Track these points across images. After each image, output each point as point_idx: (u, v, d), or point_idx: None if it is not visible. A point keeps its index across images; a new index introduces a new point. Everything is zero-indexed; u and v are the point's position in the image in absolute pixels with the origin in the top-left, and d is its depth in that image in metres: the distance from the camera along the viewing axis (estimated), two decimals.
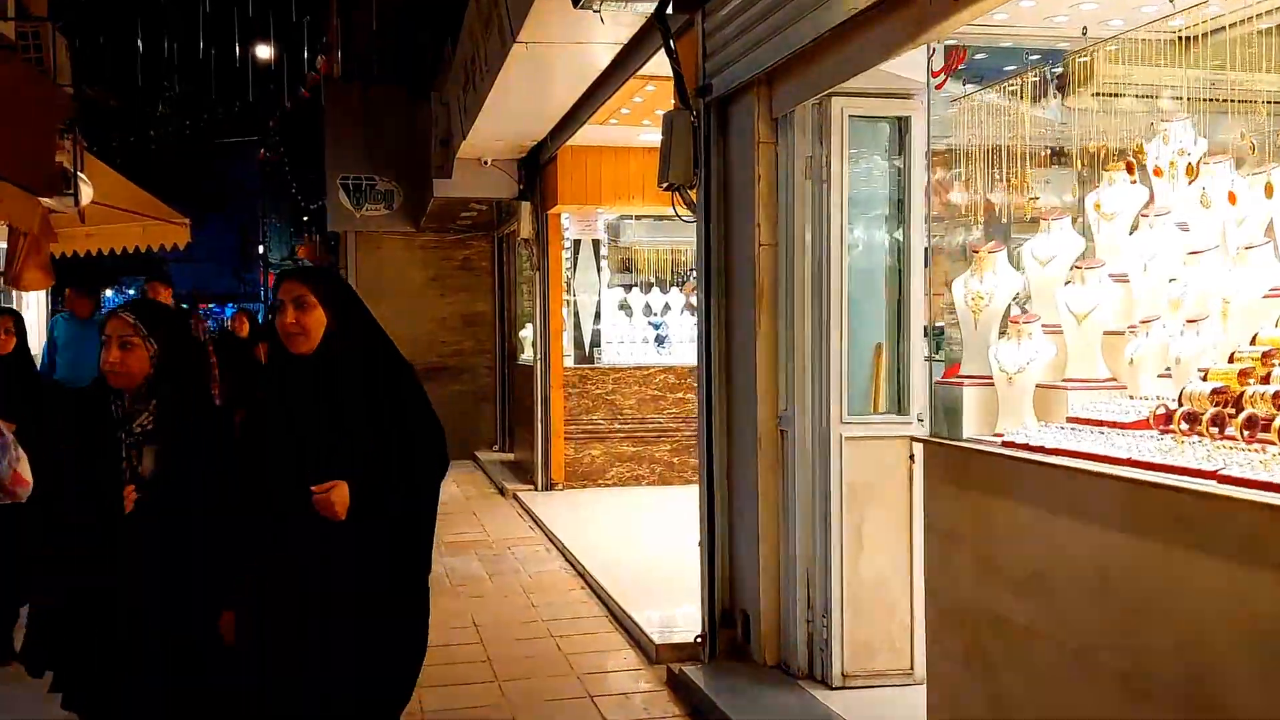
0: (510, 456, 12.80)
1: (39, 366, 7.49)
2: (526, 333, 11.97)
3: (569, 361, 10.75)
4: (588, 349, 10.89)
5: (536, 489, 10.59)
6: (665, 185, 5.64)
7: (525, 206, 10.62)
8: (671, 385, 10.72)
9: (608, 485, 10.61)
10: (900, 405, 4.81)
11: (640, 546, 7.80)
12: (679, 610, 5.92)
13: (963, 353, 3.83)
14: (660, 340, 11.13)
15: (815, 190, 4.81)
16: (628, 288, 11.37)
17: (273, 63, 22.05)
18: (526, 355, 11.86)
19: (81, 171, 12.75)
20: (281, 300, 2.97)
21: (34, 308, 12.48)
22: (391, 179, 13.33)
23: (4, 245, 10.86)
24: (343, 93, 13.56)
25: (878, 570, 4.73)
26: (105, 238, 15.50)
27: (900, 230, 4.87)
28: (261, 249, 33.77)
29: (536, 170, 10.59)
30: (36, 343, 13.32)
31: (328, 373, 2.99)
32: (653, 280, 11.46)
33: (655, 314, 11.22)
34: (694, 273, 11.54)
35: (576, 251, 10.91)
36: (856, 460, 4.72)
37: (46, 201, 11.70)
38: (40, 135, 11.35)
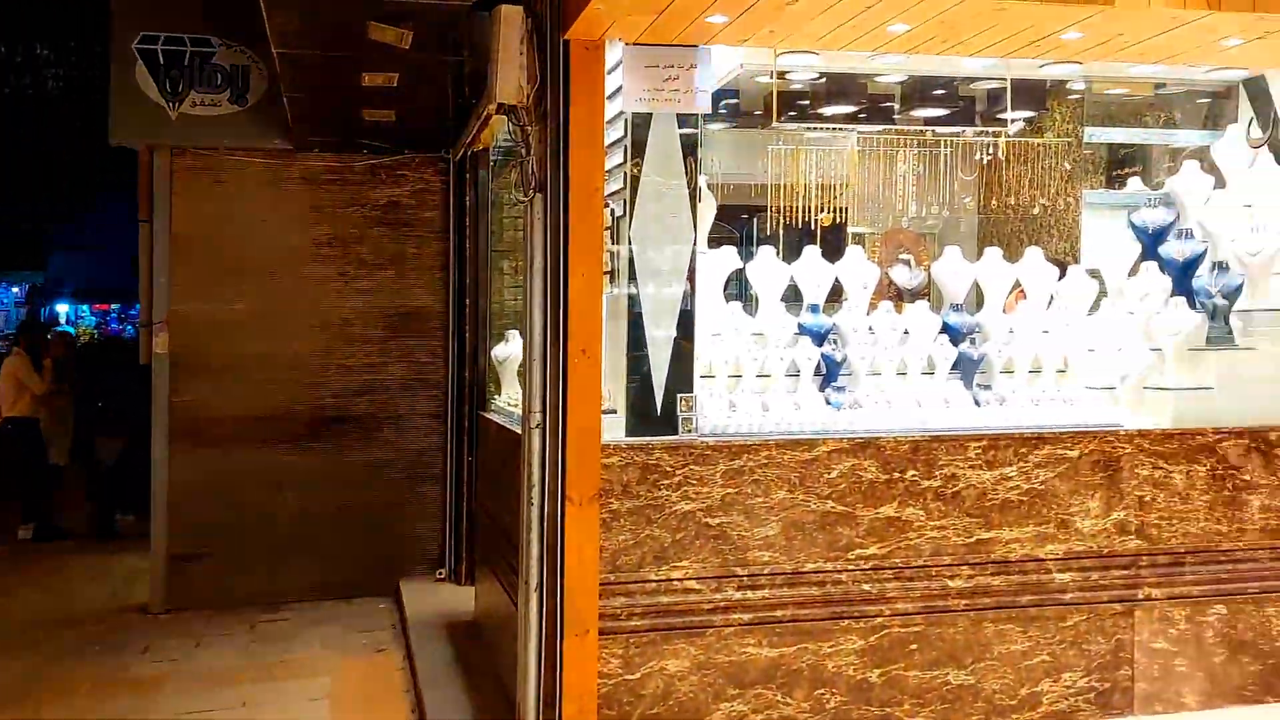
0: (468, 604, 6.18)
1: None
2: (510, 349, 5.44)
3: (613, 432, 4.17)
4: (659, 400, 4.27)
5: None
6: None
7: (506, 18, 3.99)
8: (868, 485, 4.18)
9: None
10: None
11: None
12: None
13: None
14: (828, 376, 4.59)
15: None
16: (744, 243, 4.77)
17: None
18: (507, 401, 5.33)
19: None
20: None
21: None
22: (243, 43, 6.76)
23: None
24: None
25: None
26: None
27: None
28: None
29: None
30: None
31: None
32: (811, 226, 4.89)
33: (816, 310, 4.68)
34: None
35: (637, 152, 4.27)
36: None
37: None
38: None
